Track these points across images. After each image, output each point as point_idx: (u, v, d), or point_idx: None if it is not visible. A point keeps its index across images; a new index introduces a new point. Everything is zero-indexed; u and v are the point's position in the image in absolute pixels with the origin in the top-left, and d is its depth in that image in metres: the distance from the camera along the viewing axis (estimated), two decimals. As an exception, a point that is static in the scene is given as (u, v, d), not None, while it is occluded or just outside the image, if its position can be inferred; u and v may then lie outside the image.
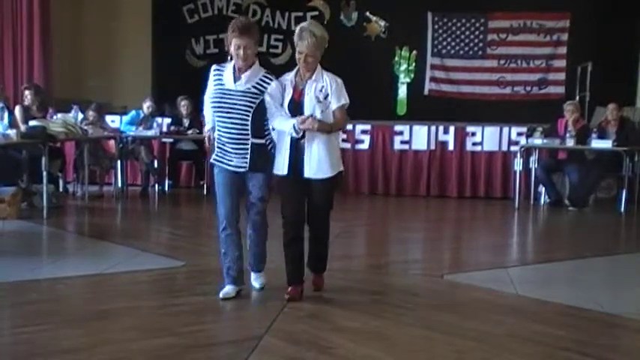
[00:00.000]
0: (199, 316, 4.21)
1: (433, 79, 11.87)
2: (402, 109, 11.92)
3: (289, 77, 4.53)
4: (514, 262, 6.32)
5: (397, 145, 10.50)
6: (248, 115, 4.41)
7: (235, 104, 4.41)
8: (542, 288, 5.21)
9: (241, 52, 4.37)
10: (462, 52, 11.81)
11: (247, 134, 4.44)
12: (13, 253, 6.06)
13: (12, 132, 7.38)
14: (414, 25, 11.82)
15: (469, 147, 10.37)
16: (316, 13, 12.03)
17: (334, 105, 4.46)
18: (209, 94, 4.55)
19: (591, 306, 4.61)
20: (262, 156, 4.48)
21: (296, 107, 4.45)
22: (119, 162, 9.77)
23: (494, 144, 10.31)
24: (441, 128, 10.43)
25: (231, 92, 4.43)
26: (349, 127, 10.50)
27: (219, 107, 4.47)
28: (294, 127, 4.34)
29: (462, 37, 11.79)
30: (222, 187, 4.54)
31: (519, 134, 10.15)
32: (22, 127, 8.05)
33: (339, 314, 4.32)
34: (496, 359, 3.63)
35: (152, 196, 9.89)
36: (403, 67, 11.91)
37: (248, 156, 4.45)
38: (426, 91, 11.90)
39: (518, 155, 9.49)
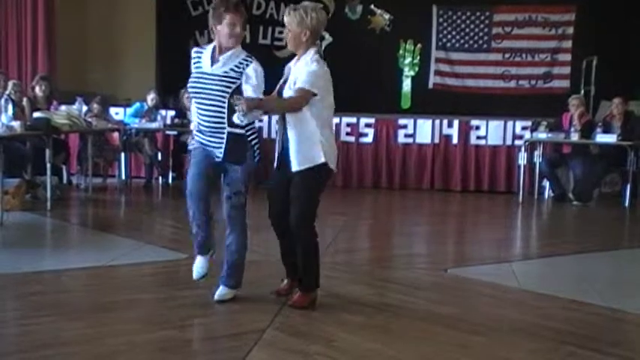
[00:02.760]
0: (202, 309, 4.21)
1: (438, 73, 11.84)
2: (406, 103, 11.89)
3: (290, 63, 4.34)
4: (518, 257, 6.31)
5: (401, 139, 10.50)
6: (224, 102, 4.08)
7: (211, 89, 4.11)
8: (545, 282, 5.20)
9: (237, 29, 4.14)
10: (466, 45, 11.77)
11: (223, 122, 4.12)
12: (16, 244, 6.08)
13: (16, 124, 7.38)
14: (419, 18, 11.77)
15: (473, 141, 10.37)
16: (321, 6, 11.95)
17: (297, 85, 4.11)
18: None
19: (595, 301, 4.60)
20: (239, 147, 4.16)
21: (278, 94, 4.27)
22: (123, 154, 9.78)
23: (499, 138, 10.30)
24: (445, 122, 10.43)
25: (207, 76, 4.15)
26: (353, 120, 10.50)
27: (194, 92, 4.20)
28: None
29: (467, 30, 11.74)
30: (193, 163, 4.26)
31: (524, 128, 10.14)
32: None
33: (342, 307, 4.31)
34: (499, 353, 3.62)
35: (156, 188, 9.90)
36: (408, 60, 11.87)
37: (223, 146, 4.15)
38: (430, 85, 11.87)
39: (523, 149, 9.48)
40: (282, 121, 4.23)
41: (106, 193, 9.45)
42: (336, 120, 10.47)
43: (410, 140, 10.48)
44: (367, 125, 10.55)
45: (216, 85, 4.12)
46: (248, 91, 4.10)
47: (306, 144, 4.15)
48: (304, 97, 4.12)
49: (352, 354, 3.52)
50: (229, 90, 4.09)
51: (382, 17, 11.92)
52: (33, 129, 7.75)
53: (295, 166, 4.16)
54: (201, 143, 4.26)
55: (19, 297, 4.49)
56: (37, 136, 7.85)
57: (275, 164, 4.35)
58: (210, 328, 3.91)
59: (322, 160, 4.17)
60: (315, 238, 4.25)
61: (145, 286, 4.91)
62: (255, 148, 4.23)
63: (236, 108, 3.92)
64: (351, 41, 11.59)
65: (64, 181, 9.21)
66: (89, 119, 9.10)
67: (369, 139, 10.53)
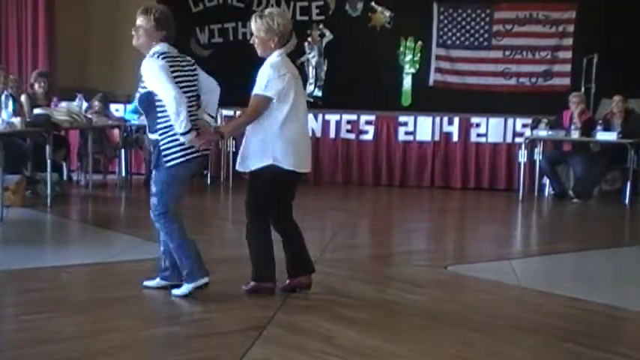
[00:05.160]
0: (203, 306, 4.21)
1: (438, 70, 11.81)
2: (406, 100, 11.86)
3: None
4: (518, 254, 6.32)
5: (401, 136, 10.49)
6: (144, 109, 4.31)
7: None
8: (545, 280, 5.21)
9: (133, 31, 4.27)
10: (467, 42, 11.74)
11: (149, 130, 4.32)
12: (16, 241, 6.08)
13: (16, 120, 7.37)
14: (420, 15, 11.74)
15: (473, 138, 10.35)
16: (321, 2, 11.97)
17: (254, 90, 4.24)
18: None
19: (594, 298, 4.60)
20: (156, 152, 4.27)
21: None
22: (123, 151, 9.78)
23: (499, 135, 10.29)
24: (445, 119, 10.41)
25: None
26: (354, 117, 10.51)
27: None
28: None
29: (468, 27, 11.71)
30: None
31: (524, 126, 10.12)
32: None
33: (342, 304, 4.32)
34: (499, 350, 3.62)
35: (156, 185, 9.88)
36: (408, 57, 11.84)
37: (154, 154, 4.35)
38: (430, 82, 11.84)
39: (523, 147, 9.47)
40: None
41: (106, 189, 9.45)
42: (336, 117, 10.52)
43: (410, 138, 10.47)
44: (367, 122, 10.54)
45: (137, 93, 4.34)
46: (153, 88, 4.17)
47: (255, 146, 4.27)
48: (257, 104, 4.22)
49: (352, 350, 3.53)
50: (139, 95, 4.26)
51: (383, 14, 11.89)
52: (33, 125, 7.74)
53: (241, 167, 4.34)
54: None
55: (19, 293, 4.49)
56: (37, 133, 7.84)
57: None
58: (210, 325, 3.91)
59: (267, 162, 4.24)
60: (260, 235, 4.36)
61: (146, 282, 4.91)
62: (164, 154, 4.21)
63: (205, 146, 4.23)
64: (352, 38, 11.57)
65: (65, 177, 9.20)
66: (89, 116, 9.10)
67: (369, 136, 10.52)
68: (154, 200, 4.35)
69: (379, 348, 3.58)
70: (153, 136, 4.28)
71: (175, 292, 4.33)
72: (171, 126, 4.14)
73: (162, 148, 4.20)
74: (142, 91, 4.24)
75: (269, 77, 4.20)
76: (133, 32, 4.26)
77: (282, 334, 3.75)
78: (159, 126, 4.21)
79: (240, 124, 4.36)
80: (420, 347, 3.63)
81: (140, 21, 4.24)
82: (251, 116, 4.25)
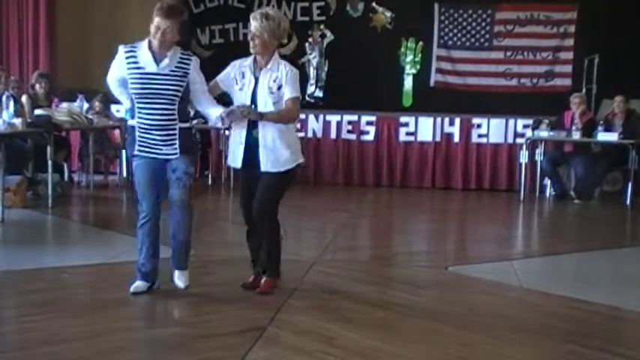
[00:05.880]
0: (204, 306, 4.22)
1: (439, 71, 11.81)
2: (407, 101, 11.87)
3: (247, 63, 4.42)
4: (519, 255, 6.31)
5: (402, 137, 10.50)
6: (176, 100, 4.23)
7: (162, 88, 4.21)
8: (546, 281, 5.20)
9: (159, 34, 4.20)
10: (468, 43, 11.74)
11: (175, 119, 4.26)
12: (18, 242, 6.08)
13: (17, 121, 7.37)
14: (421, 16, 11.74)
15: (475, 139, 10.36)
16: (322, 3, 11.96)
17: (287, 95, 4.32)
18: (118, 75, 4.38)
19: (596, 299, 4.60)
20: (188, 140, 4.40)
21: (251, 96, 4.37)
22: (124, 151, 9.78)
23: (500, 136, 10.30)
24: (446, 120, 10.42)
25: (156, 76, 4.22)
26: (355, 118, 10.51)
27: (142, 93, 4.24)
28: (220, 116, 4.28)
29: (469, 28, 11.71)
30: (144, 179, 4.31)
31: (525, 126, 10.13)
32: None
33: (342, 305, 4.32)
34: (500, 351, 3.62)
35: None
36: (409, 58, 11.84)
37: (177, 142, 4.26)
38: (431, 83, 11.83)
39: (524, 147, 9.47)
40: (248, 122, 4.37)
41: (107, 190, 9.46)
42: (337, 118, 10.55)
43: (411, 138, 10.48)
44: (369, 123, 10.55)
45: (169, 83, 4.24)
46: (197, 84, 4.32)
47: (289, 147, 4.38)
48: (297, 106, 4.43)
49: (353, 351, 3.53)
50: (182, 88, 4.26)
51: (384, 15, 11.89)
52: (34, 126, 7.75)
53: (274, 168, 4.35)
54: (150, 145, 4.29)
55: (21, 294, 4.49)
56: (38, 134, 7.85)
57: (240, 164, 4.44)
58: (211, 326, 3.91)
59: (299, 161, 4.46)
60: (278, 231, 4.47)
61: (146, 283, 4.91)
62: (198, 140, 4.55)
63: (227, 118, 4.26)
64: (353, 39, 11.58)
65: (66, 178, 9.19)
66: (90, 116, 9.10)
67: (370, 137, 10.53)
68: (187, 182, 4.34)
69: (380, 349, 3.58)
70: (183, 125, 4.32)
71: (185, 282, 4.42)
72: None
73: (197, 134, 4.44)
74: (181, 82, 4.26)
75: (297, 79, 4.39)
76: (163, 35, 4.23)
77: (283, 335, 3.75)
78: (191, 115, 4.53)
79: (280, 120, 4.33)
80: (421, 348, 3.63)
81: (170, 22, 4.22)
82: (294, 118, 4.46)
